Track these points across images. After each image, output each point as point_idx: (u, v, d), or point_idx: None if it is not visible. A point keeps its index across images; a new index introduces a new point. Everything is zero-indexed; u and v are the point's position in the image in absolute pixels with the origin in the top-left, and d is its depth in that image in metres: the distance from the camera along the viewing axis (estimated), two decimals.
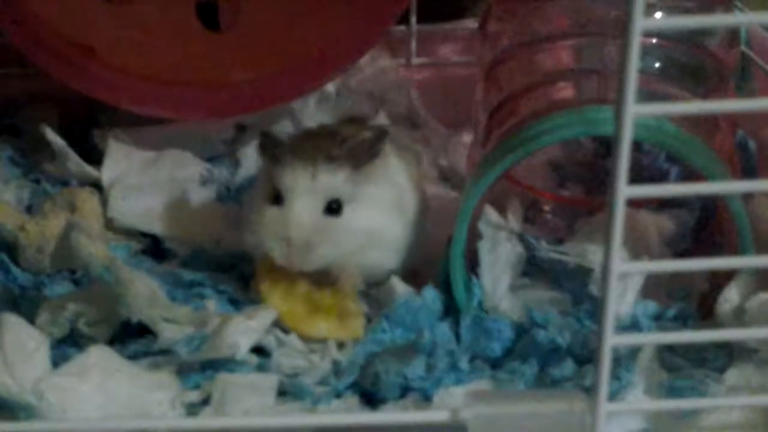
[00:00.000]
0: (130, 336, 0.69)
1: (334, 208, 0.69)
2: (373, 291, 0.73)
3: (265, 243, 0.69)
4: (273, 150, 0.71)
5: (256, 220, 0.70)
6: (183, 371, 0.65)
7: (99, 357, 0.62)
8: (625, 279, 0.67)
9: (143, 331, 0.68)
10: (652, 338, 0.64)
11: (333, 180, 0.69)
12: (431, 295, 0.70)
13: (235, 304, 0.73)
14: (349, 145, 0.70)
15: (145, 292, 0.68)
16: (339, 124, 0.76)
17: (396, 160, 0.75)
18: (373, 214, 0.71)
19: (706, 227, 0.76)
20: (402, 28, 1.01)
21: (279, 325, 0.70)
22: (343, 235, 0.70)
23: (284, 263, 0.69)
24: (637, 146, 0.47)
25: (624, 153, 0.47)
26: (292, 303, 0.70)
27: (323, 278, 0.71)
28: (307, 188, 0.69)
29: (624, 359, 0.63)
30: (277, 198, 0.70)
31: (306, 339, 0.70)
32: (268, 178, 0.71)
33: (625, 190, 0.47)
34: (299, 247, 0.68)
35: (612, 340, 0.50)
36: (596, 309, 0.67)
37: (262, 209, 0.70)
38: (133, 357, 0.66)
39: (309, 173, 0.69)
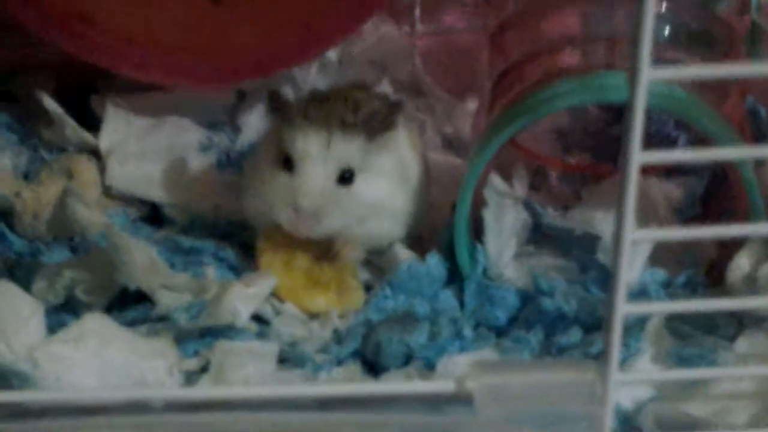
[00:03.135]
0: (128, 303, 0.68)
1: (346, 177, 0.68)
2: (376, 259, 0.72)
3: (273, 209, 0.68)
4: (283, 111, 0.69)
5: (264, 185, 0.69)
6: (181, 338, 0.64)
7: (95, 324, 0.60)
8: (634, 246, 0.66)
9: (141, 298, 0.67)
10: (664, 307, 0.63)
11: (348, 148, 0.67)
12: (435, 261, 0.69)
13: (235, 271, 0.72)
14: (365, 113, 0.69)
15: (143, 259, 0.66)
16: (347, 89, 0.75)
17: (402, 130, 0.73)
18: (382, 185, 0.70)
19: (714, 195, 0.75)
20: None
21: (275, 294, 0.69)
22: (352, 206, 0.68)
23: (291, 230, 0.68)
24: (645, 113, 0.46)
25: (638, 118, 0.46)
26: (291, 277, 0.69)
27: (323, 251, 0.70)
28: (321, 156, 0.67)
29: (632, 327, 0.62)
30: (286, 162, 0.68)
31: (304, 312, 0.69)
32: (277, 141, 0.69)
33: (638, 157, 0.46)
34: (308, 215, 0.67)
35: (624, 309, 0.49)
36: (603, 277, 0.66)
37: (270, 174, 0.69)
38: (130, 324, 0.65)
39: (323, 140, 0.67)
